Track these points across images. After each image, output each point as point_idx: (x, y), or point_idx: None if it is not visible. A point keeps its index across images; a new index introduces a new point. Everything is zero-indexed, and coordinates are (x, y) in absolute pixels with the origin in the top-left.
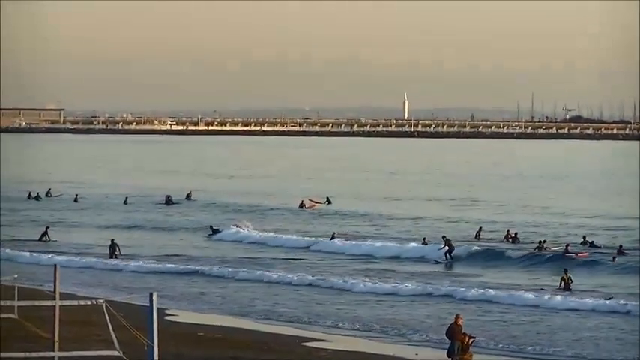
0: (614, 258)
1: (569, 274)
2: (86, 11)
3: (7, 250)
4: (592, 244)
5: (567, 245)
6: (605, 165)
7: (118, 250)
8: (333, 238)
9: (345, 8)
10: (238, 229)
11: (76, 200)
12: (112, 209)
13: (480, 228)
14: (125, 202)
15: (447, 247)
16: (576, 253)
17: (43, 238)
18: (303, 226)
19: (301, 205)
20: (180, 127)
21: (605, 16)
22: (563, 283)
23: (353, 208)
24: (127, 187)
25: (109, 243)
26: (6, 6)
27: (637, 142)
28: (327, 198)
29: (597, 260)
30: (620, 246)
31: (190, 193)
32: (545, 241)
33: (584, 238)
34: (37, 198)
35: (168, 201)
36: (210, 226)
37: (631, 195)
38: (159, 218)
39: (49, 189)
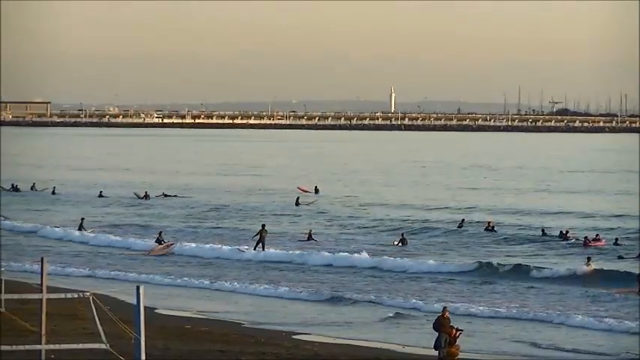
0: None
1: (591, 263)
2: (73, 6)
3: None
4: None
5: (586, 237)
6: (595, 158)
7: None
8: (309, 238)
9: (332, 2)
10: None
11: (53, 193)
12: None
13: (463, 220)
14: (100, 196)
15: (258, 237)
16: (595, 243)
17: (80, 230)
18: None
19: (297, 203)
20: (166, 120)
21: (593, 10)
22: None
23: (336, 205)
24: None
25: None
26: None
27: (623, 134)
28: (316, 187)
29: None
30: (616, 239)
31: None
32: (567, 231)
33: (560, 232)
34: (17, 189)
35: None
36: None
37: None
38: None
39: (34, 183)
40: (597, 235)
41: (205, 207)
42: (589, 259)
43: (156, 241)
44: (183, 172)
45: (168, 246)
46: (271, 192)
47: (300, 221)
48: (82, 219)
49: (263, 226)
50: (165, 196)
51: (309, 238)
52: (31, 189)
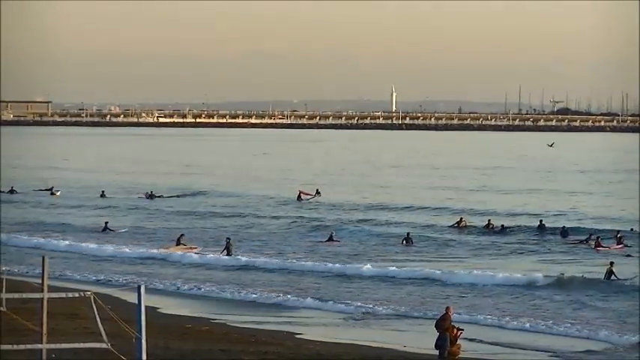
0: None
1: (613, 268)
2: (74, 6)
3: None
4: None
5: (598, 237)
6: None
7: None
8: (330, 238)
9: (333, 1)
10: None
11: (52, 193)
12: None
13: (461, 218)
14: (102, 196)
15: (225, 250)
16: (609, 247)
17: (105, 231)
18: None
19: (299, 197)
20: (168, 120)
21: (594, 9)
22: (607, 274)
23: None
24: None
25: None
26: None
27: (624, 134)
28: (317, 190)
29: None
30: (621, 237)
31: (152, 192)
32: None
33: (540, 222)
34: (13, 191)
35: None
36: None
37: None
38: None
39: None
40: (620, 236)
41: (205, 209)
42: (612, 263)
43: (176, 244)
44: (181, 172)
45: (190, 249)
46: (272, 193)
47: (306, 223)
48: (106, 222)
49: (228, 239)
50: (155, 196)
51: (330, 239)
52: (46, 189)
